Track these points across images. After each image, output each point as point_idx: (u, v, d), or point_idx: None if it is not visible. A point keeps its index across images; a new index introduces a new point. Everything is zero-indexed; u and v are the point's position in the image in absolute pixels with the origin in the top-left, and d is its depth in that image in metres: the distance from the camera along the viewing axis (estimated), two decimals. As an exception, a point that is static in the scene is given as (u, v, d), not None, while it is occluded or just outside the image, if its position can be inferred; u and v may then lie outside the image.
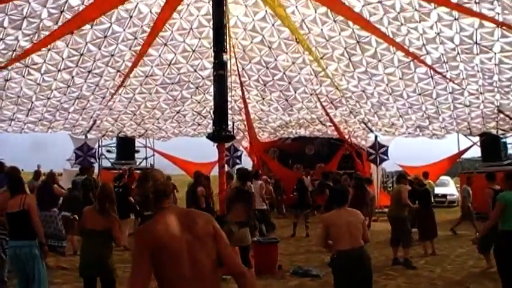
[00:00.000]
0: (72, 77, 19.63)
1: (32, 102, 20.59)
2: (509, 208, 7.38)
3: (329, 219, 6.63)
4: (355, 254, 6.31)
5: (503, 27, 15.51)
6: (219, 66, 12.50)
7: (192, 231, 3.39)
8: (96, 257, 6.70)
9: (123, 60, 19.33)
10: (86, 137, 23.82)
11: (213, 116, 13.46)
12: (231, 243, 8.48)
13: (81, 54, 18.57)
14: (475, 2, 14.33)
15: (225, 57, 13.03)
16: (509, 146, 24.03)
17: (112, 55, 18.99)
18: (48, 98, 20.60)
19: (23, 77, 18.82)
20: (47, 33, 16.28)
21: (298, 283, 10.36)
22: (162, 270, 3.33)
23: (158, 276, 3.36)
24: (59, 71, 19.04)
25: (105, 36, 18.00)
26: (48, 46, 17.53)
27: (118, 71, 19.78)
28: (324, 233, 6.60)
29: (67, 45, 17.97)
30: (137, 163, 26.66)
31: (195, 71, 20.76)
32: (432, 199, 16.52)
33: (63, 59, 18.54)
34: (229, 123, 16.37)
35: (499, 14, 14.63)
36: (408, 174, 15.35)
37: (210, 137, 13.18)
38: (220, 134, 12.30)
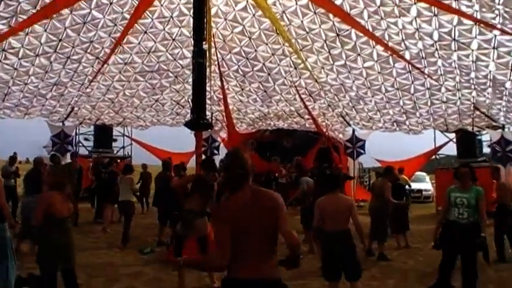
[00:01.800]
0: (50, 62, 19.41)
1: (9, 87, 20.32)
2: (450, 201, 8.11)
3: (321, 203, 7.46)
4: (336, 235, 7.21)
5: (481, 25, 15.68)
6: (198, 54, 12.44)
7: (259, 208, 3.83)
8: (69, 244, 6.65)
9: (102, 47, 19.16)
10: (63, 124, 23.62)
11: (191, 104, 13.42)
12: (188, 232, 8.51)
13: (60, 40, 18.37)
14: (454, -1, 14.48)
15: (205, 45, 12.99)
16: (484, 143, 24.25)
17: (91, 41, 18.81)
18: (26, 84, 20.33)
19: (0, 61, 18.59)
20: (24, 17, 16.10)
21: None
22: (234, 242, 3.80)
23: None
24: (37, 56, 18.81)
25: (85, 22, 17.81)
26: (26, 30, 17.31)
27: (97, 57, 19.61)
28: (317, 215, 7.42)
29: (45, 30, 17.75)
30: (114, 152, 26.56)
31: (175, 59, 20.66)
32: (408, 194, 16.70)
33: (41, 44, 18.32)
34: (208, 113, 16.37)
35: (477, 11, 14.74)
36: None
37: (187, 124, 13.13)
38: (198, 121, 12.25)
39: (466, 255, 7.89)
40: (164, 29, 19.14)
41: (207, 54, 13.85)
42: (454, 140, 24.15)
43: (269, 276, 3.85)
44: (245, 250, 3.81)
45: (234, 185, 3.93)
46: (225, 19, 18.69)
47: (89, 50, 19.22)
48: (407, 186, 18.02)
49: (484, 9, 14.73)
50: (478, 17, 15.00)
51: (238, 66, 21.04)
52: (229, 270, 3.87)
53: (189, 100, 17.12)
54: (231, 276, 3.87)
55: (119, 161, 22.90)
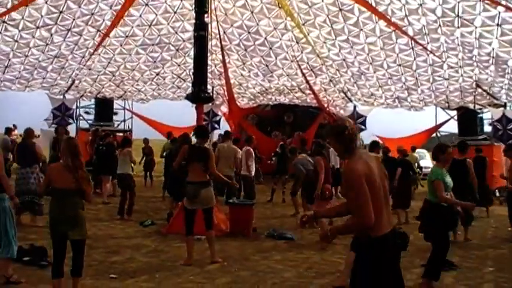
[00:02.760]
0: (51, 34, 19.36)
1: (9, 60, 20.30)
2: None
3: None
4: None
5: (486, 1, 15.56)
6: (200, 27, 12.38)
7: (380, 170, 4.08)
8: (70, 217, 6.46)
9: (104, 20, 19.11)
10: (64, 97, 23.61)
11: (192, 78, 13.39)
12: (195, 205, 8.50)
13: (61, 12, 18.30)
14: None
15: (206, 18, 12.92)
16: (485, 121, 24.18)
17: (92, 14, 18.76)
18: (26, 56, 20.30)
19: (0, 32, 18.49)
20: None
21: (272, 245, 10.48)
22: (377, 199, 3.93)
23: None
24: (38, 28, 18.76)
25: (86, -6, 17.76)
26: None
27: (98, 30, 19.53)
28: None
29: (46, 2, 17.69)
30: (115, 125, 26.52)
31: (176, 33, 20.55)
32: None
33: (41, 16, 18.26)
34: (209, 87, 16.31)
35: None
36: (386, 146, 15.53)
37: (188, 97, 13.10)
38: (199, 94, 12.23)
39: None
40: (166, 1, 19.06)
41: (209, 28, 13.75)
42: (455, 117, 24.08)
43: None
44: (385, 205, 4.01)
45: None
46: (227, -8, 18.57)
47: (90, 23, 19.14)
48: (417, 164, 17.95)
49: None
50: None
51: (240, 40, 20.93)
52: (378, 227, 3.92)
53: (190, 74, 17.05)
54: (384, 231, 3.96)
55: (121, 134, 22.87)
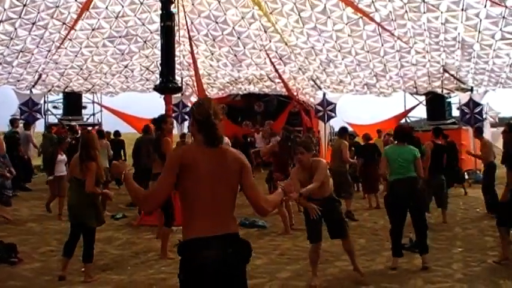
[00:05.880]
0: (15, 28, 19.01)
1: (-27, 55, 19.95)
2: (392, 162, 8.05)
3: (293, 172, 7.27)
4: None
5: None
6: (167, 17, 12.32)
7: (220, 163, 3.56)
8: (76, 203, 7.10)
9: (69, 12, 18.81)
10: (31, 92, 23.30)
11: (160, 68, 13.32)
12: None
13: (24, 5, 17.98)
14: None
15: (173, 8, 12.86)
16: (453, 105, 24.50)
17: (57, 6, 18.43)
18: (-10, 51, 19.96)
19: (-38, 28, 18.18)
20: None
21: (244, 233, 10.47)
22: (186, 190, 3.52)
23: (181, 196, 3.57)
24: (1, 22, 18.40)
25: (50, -13, 17.51)
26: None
27: (63, 23, 19.25)
28: None
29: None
30: (84, 119, 26.30)
31: (143, 24, 20.32)
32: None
33: (4, 10, 17.91)
34: (178, 78, 16.19)
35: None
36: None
37: (156, 88, 13.03)
38: (167, 85, 12.18)
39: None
40: (132, -8, 18.85)
41: (176, 18, 13.67)
42: (424, 102, 24.37)
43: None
44: (211, 208, 3.59)
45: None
46: (194, -18, 18.45)
47: (55, 16, 18.85)
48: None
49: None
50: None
51: (208, 30, 20.79)
52: (187, 229, 3.62)
53: (159, 65, 16.95)
54: (191, 236, 3.55)
55: (90, 128, 22.60)
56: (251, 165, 4.25)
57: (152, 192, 3.67)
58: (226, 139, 13.29)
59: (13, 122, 17.86)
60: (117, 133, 20.22)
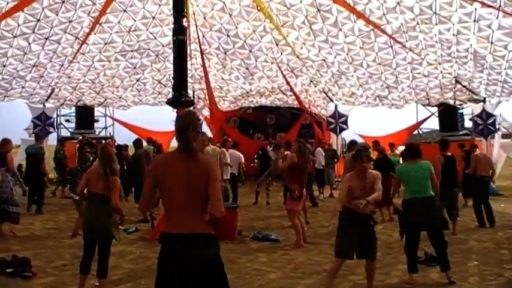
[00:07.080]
0: (29, 43, 19.22)
1: (-14, 70, 20.11)
2: (407, 180, 8.13)
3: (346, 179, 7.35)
4: None
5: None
6: (179, 31, 12.37)
7: (190, 169, 4.13)
8: (98, 218, 6.89)
9: (82, 27, 19.01)
10: (44, 105, 23.43)
11: (172, 82, 13.36)
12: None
13: (38, 20, 18.19)
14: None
15: (185, 22, 12.90)
16: (466, 117, 24.40)
17: (70, 21, 18.63)
18: (4, 66, 20.13)
19: (-23, 43, 18.35)
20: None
21: (257, 247, 10.45)
22: (162, 194, 4.26)
23: (161, 197, 4.31)
24: (15, 37, 18.60)
25: (63, 2, 17.64)
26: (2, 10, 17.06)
27: (76, 37, 19.41)
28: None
29: (23, 11, 17.51)
30: (97, 132, 26.39)
31: (155, 38, 20.50)
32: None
33: (18, 25, 18.12)
34: (190, 91, 16.29)
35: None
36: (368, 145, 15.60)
37: (169, 102, 13.08)
38: (179, 99, 12.21)
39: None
40: (144, 7, 18.98)
41: (187, 32, 13.73)
42: (436, 114, 24.27)
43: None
44: (177, 208, 4.28)
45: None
46: (206, -4, 18.55)
47: (68, 30, 19.02)
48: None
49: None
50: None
51: (219, 43, 20.92)
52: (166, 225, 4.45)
53: (171, 79, 17.02)
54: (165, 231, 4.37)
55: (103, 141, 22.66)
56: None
57: (141, 197, 4.56)
58: (217, 149, 13.31)
59: (38, 137, 17.58)
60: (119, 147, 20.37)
